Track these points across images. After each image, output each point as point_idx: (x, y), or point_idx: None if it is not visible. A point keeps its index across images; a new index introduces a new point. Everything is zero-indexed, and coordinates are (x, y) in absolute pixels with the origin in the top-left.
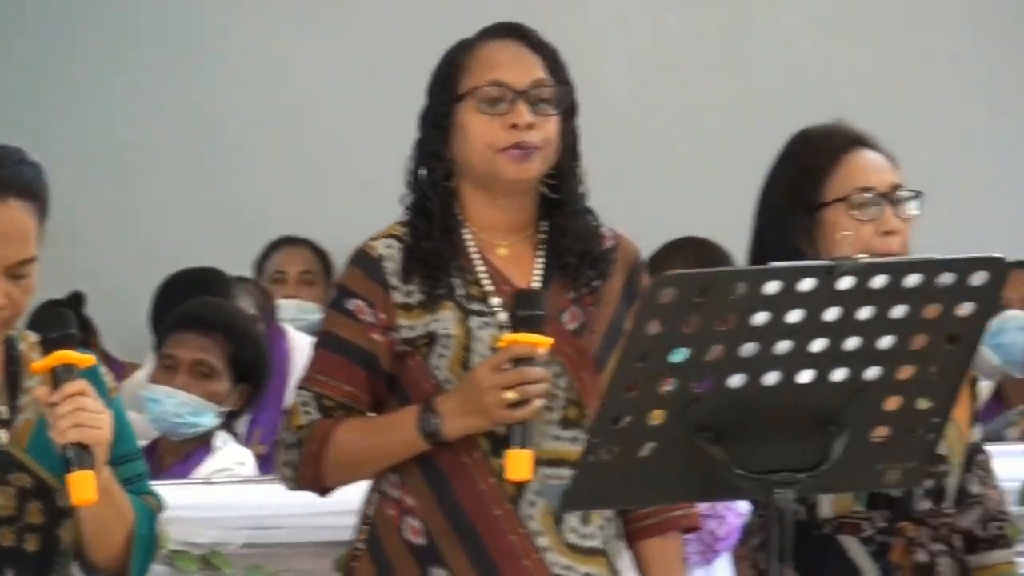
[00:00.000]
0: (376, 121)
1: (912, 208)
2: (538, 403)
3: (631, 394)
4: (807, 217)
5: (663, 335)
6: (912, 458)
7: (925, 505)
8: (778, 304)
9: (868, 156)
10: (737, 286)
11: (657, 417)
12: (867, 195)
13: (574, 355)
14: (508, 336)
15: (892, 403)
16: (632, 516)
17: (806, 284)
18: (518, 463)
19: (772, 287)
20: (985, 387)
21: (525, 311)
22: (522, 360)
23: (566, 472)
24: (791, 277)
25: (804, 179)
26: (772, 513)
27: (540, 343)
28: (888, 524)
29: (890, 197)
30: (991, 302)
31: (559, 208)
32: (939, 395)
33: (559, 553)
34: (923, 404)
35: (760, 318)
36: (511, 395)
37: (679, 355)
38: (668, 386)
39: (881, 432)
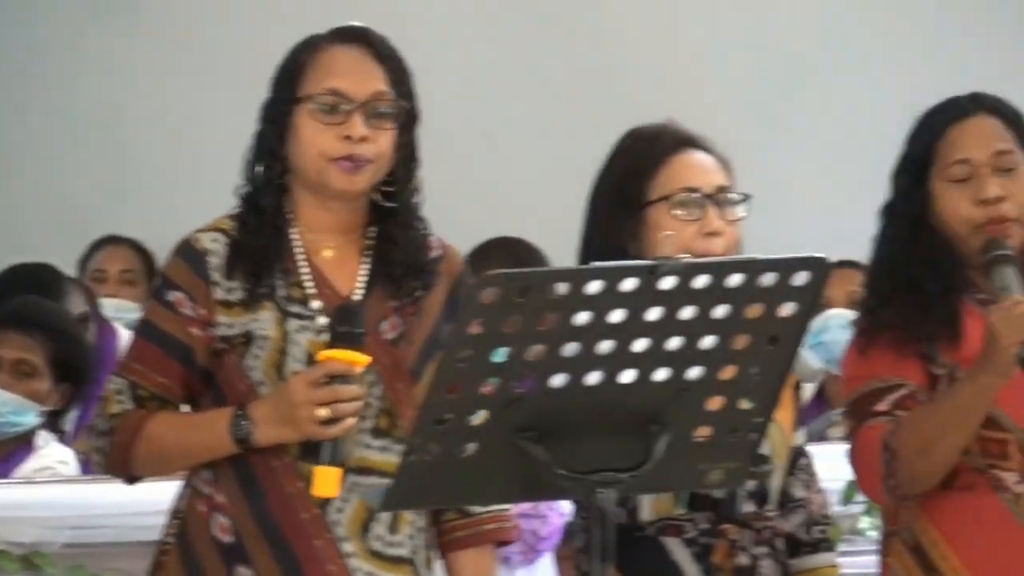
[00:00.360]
0: (203, 121)
1: (739, 210)
2: (350, 421)
3: (453, 394)
4: (632, 216)
5: (485, 335)
6: (734, 458)
7: (748, 508)
8: (600, 304)
9: (695, 157)
10: (559, 286)
11: (479, 417)
12: (691, 195)
13: (390, 365)
14: (326, 352)
15: (714, 403)
16: (445, 527)
17: (628, 284)
18: (326, 480)
19: (594, 287)
20: (808, 387)
21: (345, 327)
22: (338, 377)
23: (375, 480)
24: (613, 277)
25: (630, 178)
26: (594, 513)
27: (358, 361)
28: (711, 526)
29: (715, 198)
30: (813, 302)
31: (390, 216)
32: (761, 395)
33: (362, 559)
34: (745, 404)
35: (582, 318)
36: (324, 412)
37: (501, 355)
38: (490, 386)
39: (703, 432)
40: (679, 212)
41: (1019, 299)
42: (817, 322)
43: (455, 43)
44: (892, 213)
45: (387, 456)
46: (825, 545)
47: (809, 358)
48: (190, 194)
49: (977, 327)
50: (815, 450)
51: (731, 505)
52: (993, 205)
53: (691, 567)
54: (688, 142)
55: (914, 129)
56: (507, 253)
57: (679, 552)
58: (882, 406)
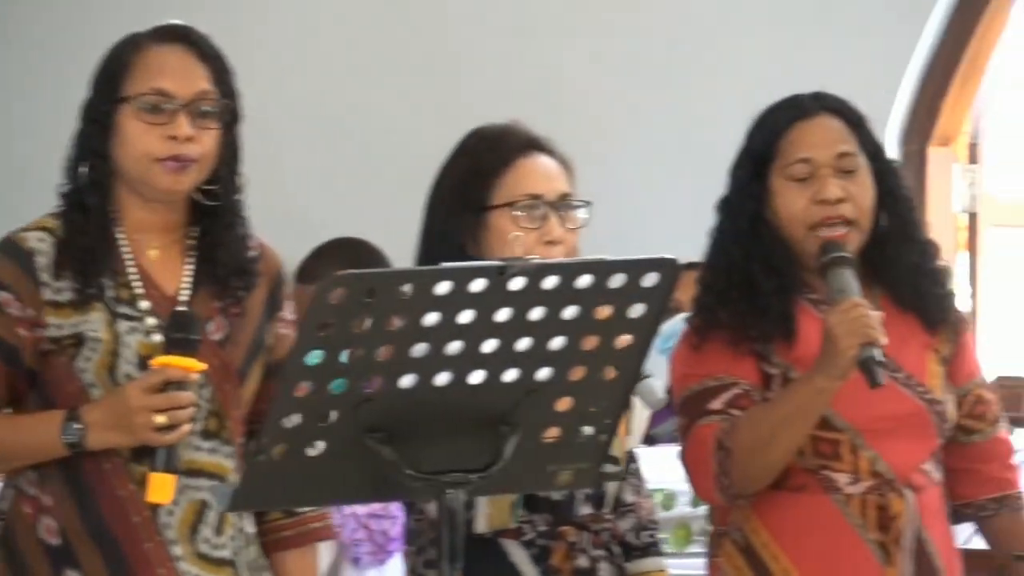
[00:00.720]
0: None
1: (579, 217)
2: (186, 428)
3: (301, 394)
4: (474, 218)
5: (333, 335)
6: (584, 459)
7: (586, 510)
8: (449, 304)
9: (539, 161)
10: (408, 286)
11: (327, 417)
12: (534, 202)
13: (219, 367)
14: (161, 358)
15: (564, 404)
16: (269, 527)
17: (477, 285)
18: (161, 486)
19: (443, 287)
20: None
21: (180, 333)
22: (174, 383)
23: (204, 482)
24: (462, 277)
25: (473, 179)
26: (443, 514)
27: (194, 367)
28: (549, 528)
29: (557, 206)
30: (662, 303)
31: (213, 216)
32: (611, 396)
33: (190, 563)
34: (595, 405)
35: (431, 319)
36: (162, 419)
37: (314, 358)
38: (340, 386)
39: (553, 433)
40: (521, 219)
41: (857, 301)
42: (667, 326)
43: (309, 43)
44: (729, 208)
45: (216, 458)
46: (654, 549)
47: (656, 386)
48: None
49: (811, 327)
50: (667, 451)
51: (569, 507)
52: (832, 206)
53: (530, 569)
54: (532, 145)
55: (755, 125)
56: (348, 254)
57: (517, 554)
58: (716, 404)
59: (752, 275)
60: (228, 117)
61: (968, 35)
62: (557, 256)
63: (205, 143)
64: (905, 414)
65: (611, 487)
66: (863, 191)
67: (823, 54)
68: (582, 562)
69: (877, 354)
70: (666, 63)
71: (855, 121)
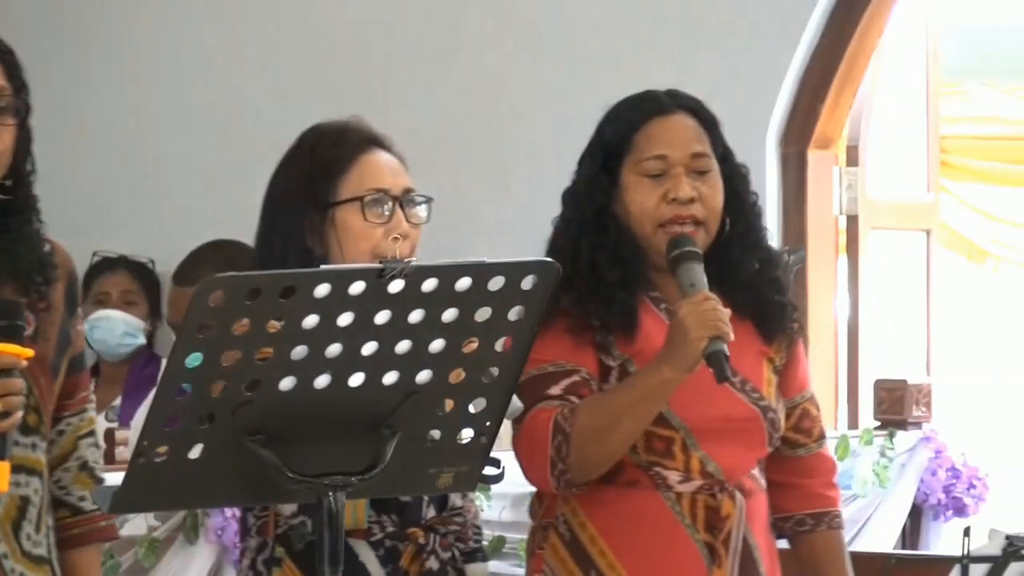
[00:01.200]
0: None
1: (422, 213)
2: (19, 415)
3: (181, 396)
4: (318, 215)
5: (213, 337)
6: (464, 462)
7: (431, 513)
8: (329, 307)
9: (383, 157)
10: (287, 289)
11: (207, 419)
12: (380, 196)
13: (34, 361)
14: None
15: (444, 406)
16: (61, 524)
17: (357, 287)
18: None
19: (322, 289)
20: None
21: (6, 320)
22: (4, 371)
23: (24, 478)
24: (342, 280)
25: (316, 176)
26: (324, 516)
27: (23, 353)
28: (396, 529)
29: (402, 200)
30: (541, 305)
31: (10, 212)
32: (491, 398)
33: (15, 560)
34: (475, 407)
35: (311, 321)
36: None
37: (194, 360)
38: (219, 388)
39: (434, 435)
40: (369, 214)
41: (708, 295)
42: None
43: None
44: (576, 198)
45: (36, 453)
46: (481, 555)
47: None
48: None
49: (651, 323)
50: None
51: (417, 509)
52: (683, 205)
53: (377, 569)
54: (373, 141)
55: (609, 117)
56: (225, 256)
57: (365, 554)
58: (555, 390)
59: (598, 265)
60: (23, 112)
61: (847, 37)
62: (405, 251)
63: (3, 139)
64: (739, 418)
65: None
66: (714, 193)
67: (702, 56)
68: (432, 564)
69: (726, 348)
70: (538, 61)
71: (709, 122)
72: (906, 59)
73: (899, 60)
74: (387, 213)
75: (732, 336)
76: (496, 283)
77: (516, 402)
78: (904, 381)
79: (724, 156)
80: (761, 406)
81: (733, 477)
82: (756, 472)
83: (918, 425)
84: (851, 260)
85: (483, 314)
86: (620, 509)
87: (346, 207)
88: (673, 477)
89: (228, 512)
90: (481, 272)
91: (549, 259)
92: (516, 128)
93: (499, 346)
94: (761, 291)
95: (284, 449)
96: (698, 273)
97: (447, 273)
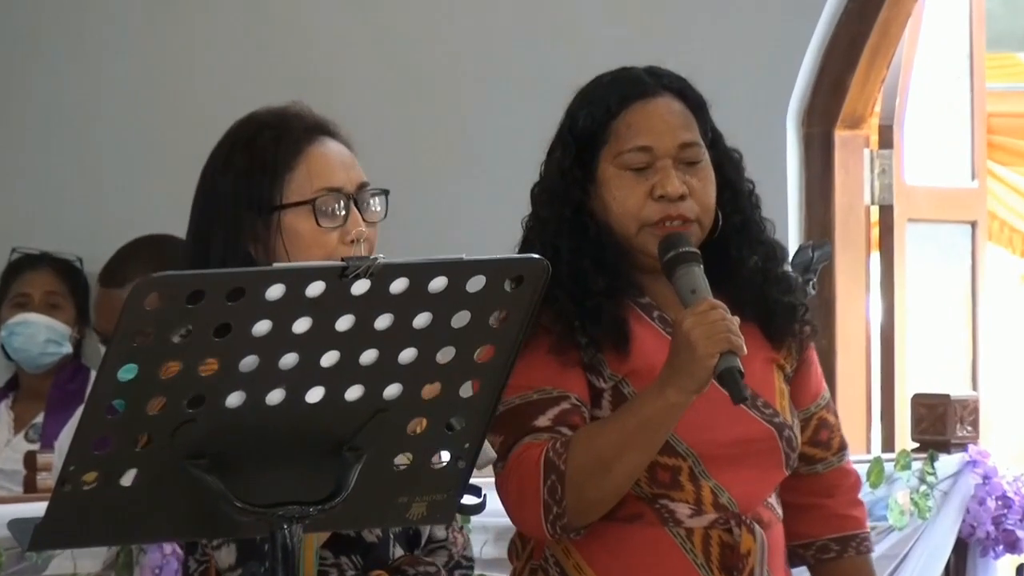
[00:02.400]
0: None
1: (379, 209)
2: None
3: (113, 414)
4: (260, 219)
5: (149, 347)
6: (441, 489)
7: (398, 552)
8: (283, 311)
9: (332, 148)
10: (235, 291)
11: (143, 440)
12: (333, 196)
13: None
14: None
15: (416, 425)
16: None
17: (315, 288)
18: None
19: (275, 291)
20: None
21: None
22: None
23: None
24: (298, 280)
25: (258, 175)
26: (277, 554)
27: None
28: (359, 573)
29: (357, 198)
30: (529, 309)
31: None
32: (470, 416)
33: None
34: (452, 426)
35: (262, 327)
36: None
37: (127, 372)
38: (156, 405)
39: (404, 459)
40: (321, 218)
41: (715, 303)
42: None
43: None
44: (550, 195)
45: None
46: None
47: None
48: None
49: (645, 335)
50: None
51: (383, 548)
52: (673, 203)
53: None
54: (320, 129)
55: (582, 100)
56: (155, 253)
57: None
58: (543, 420)
59: (581, 273)
60: None
61: (879, 0)
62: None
63: None
64: (752, 439)
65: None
66: (705, 186)
67: (712, 22)
68: None
69: (740, 364)
70: (538, 36)
71: (696, 104)
72: (947, 25)
73: (939, 26)
74: (341, 214)
75: (745, 349)
76: (476, 283)
77: (488, 451)
78: (947, 396)
79: (713, 141)
80: (776, 424)
81: (750, 508)
82: (773, 500)
83: (963, 447)
84: (885, 256)
85: (461, 319)
86: (621, 548)
87: (294, 211)
88: (682, 510)
89: (167, 548)
90: (458, 271)
91: (536, 255)
92: (514, 111)
93: (480, 356)
94: (765, 290)
95: (231, 475)
96: (699, 277)
97: (419, 272)
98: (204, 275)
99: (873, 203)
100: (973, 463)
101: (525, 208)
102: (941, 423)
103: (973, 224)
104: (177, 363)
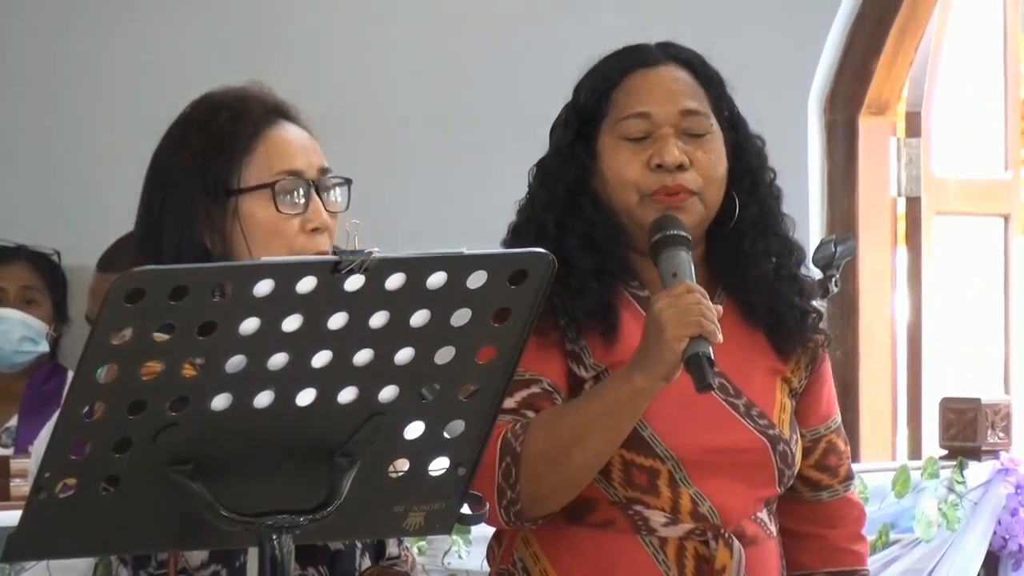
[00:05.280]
0: None
1: (340, 199)
2: None
3: (91, 416)
4: (216, 206)
5: (131, 345)
6: (439, 497)
7: (365, 563)
8: (272, 308)
9: (292, 132)
10: (221, 285)
11: (123, 445)
12: (294, 181)
13: None
14: None
15: (413, 430)
16: None
17: (306, 284)
18: None
19: (264, 287)
20: None
21: None
22: None
23: None
24: (288, 275)
25: (213, 158)
26: (265, 565)
27: None
28: None
29: (319, 184)
30: (533, 307)
31: None
32: (471, 420)
33: None
34: (451, 431)
35: (249, 325)
36: None
37: (100, 372)
38: (139, 407)
39: (401, 466)
40: (282, 204)
41: (692, 286)
42: None
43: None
44: (547, 171)
45: None
46: None
47: None
48: None
49: (636, 325)
50: None
51: (350, 559)
52: (671, 173)
53: None
54: (278, 111)
55: (586, 75)
56: None
57: None
58: (509, 403)
59: (566, 251)
60: None
61: None
62: (324, 245)
63: None
64: (740, 449)
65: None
66: (710, 158)
67: (737, 6)
68: None
69: (710, 351)
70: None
71: (709, 79)
72: (979, 6)
73: (971, 7)
74: (301, 201)
75: (719, 336)
76: (476, 279)
77: None
78: (977, 400)
79: (733, 123)
80: (770, 436)
81: (732, 520)
82: (764, 515)
83: (994, 454)
84: (912, 251)
85: (461, 317)
86: (590, 555)
87: (253, 196)
88: (656, 518)
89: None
90: (458, 265)
91: (541, 249)
92: (520, 99)
93: (480, 356)
94: (777, 292)
95: (217, 482)
96: (682, 261)
97: (417, 267)
98: (188, 269)
99: (900, 195)
100: (1005, 471)
101: None
102: (971, 428)
103: (1005, 217)
104: (159, 363)
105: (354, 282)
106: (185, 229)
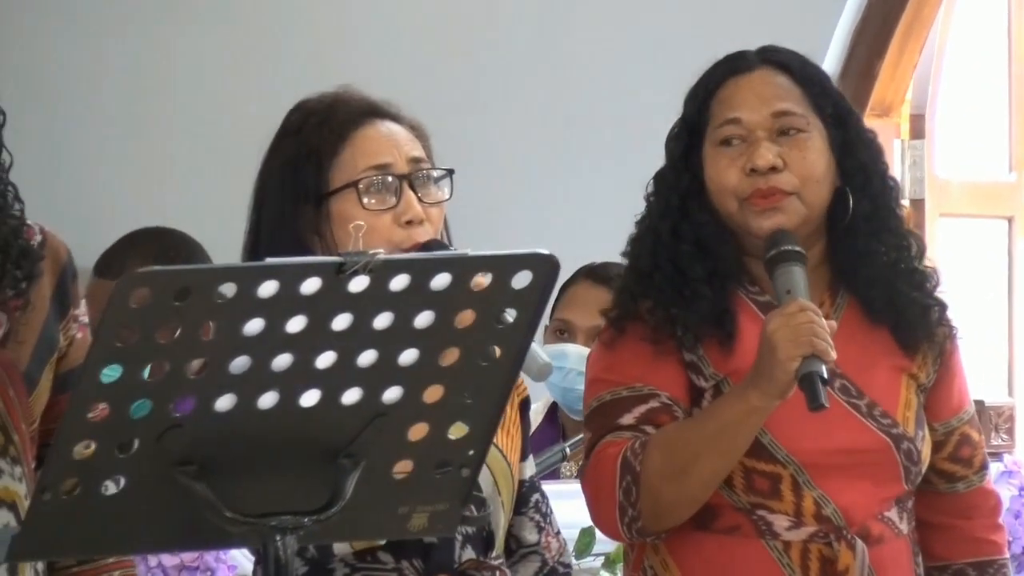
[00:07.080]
0: None
1: (441, 190)
2: None
3: (96, 416)
4: (313, 209)
5: (136, 347)
6: (443, 499)
7: (468, 555)
8: (276, 309)
9: (381, 128)
10: (226, 287)
11: (127, 446)
12: (381, 177)
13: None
14: None
15: (418, 431)
16: (61, 572)
17: (310, 285)
18: None
19: (268, 288)
20: (538, 409)
21: None
22: None
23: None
24: (292, 276)
25: (305, 162)
26: (269, 566)
27: None
28: None
29: (410, 177)
30: (537, 309)
31: None
32: (476, 421)
33: None
34: (456, 432)
35: (254, 326)
36: None
37: (111, 373)
38: (143, 408)
39: (405, 467)
40: (369, 200)
41: (805, 304)
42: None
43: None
44: (663, 183)
45: (3, 480)
46: None
47: (540, 353)
48: None
49: (754, 331)
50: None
51: (447, 551)
52: (764, 176)
53: None
54: (372, 111)
55: (692, 87)
56: (155, 246)
57: None
58: (627, 419)
59: (680, 257)
60: None
61: None
62: (422, 238)
63: None
64: (863, 450)
65: (501, 523)
66: (805, 155)
67: (741, 7)
68: None
69: (823, 370)
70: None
71: (809, 79)
72: (984, 7)
73: (975, 9)
74: (392, 195)
75: (833, 354)
76: (480, 280)
77: (537, 355)
78: (981, 403)
79: (841, 119)
80: (893, 435)
81: (856, 521)
82: (892, 514)
83: (998, 456)
84: None
85: (465, 319)
86: (717, 561)
87: (341, 196)
88: (780, 522)
89: (152, 561)
90: (462, 267)
91: (545, 251)
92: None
93: (485, 358)
94: (897, 288)
95: (221, 483)
96: (798, 278)
97: (421, 268)
98: (193, 270)
99: (903, 197)
100: (1008, 474)
101: (532, 205)
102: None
103: (1010, 220)
104: (164, 364)
105: (358, 283)
106: (283, 231)
